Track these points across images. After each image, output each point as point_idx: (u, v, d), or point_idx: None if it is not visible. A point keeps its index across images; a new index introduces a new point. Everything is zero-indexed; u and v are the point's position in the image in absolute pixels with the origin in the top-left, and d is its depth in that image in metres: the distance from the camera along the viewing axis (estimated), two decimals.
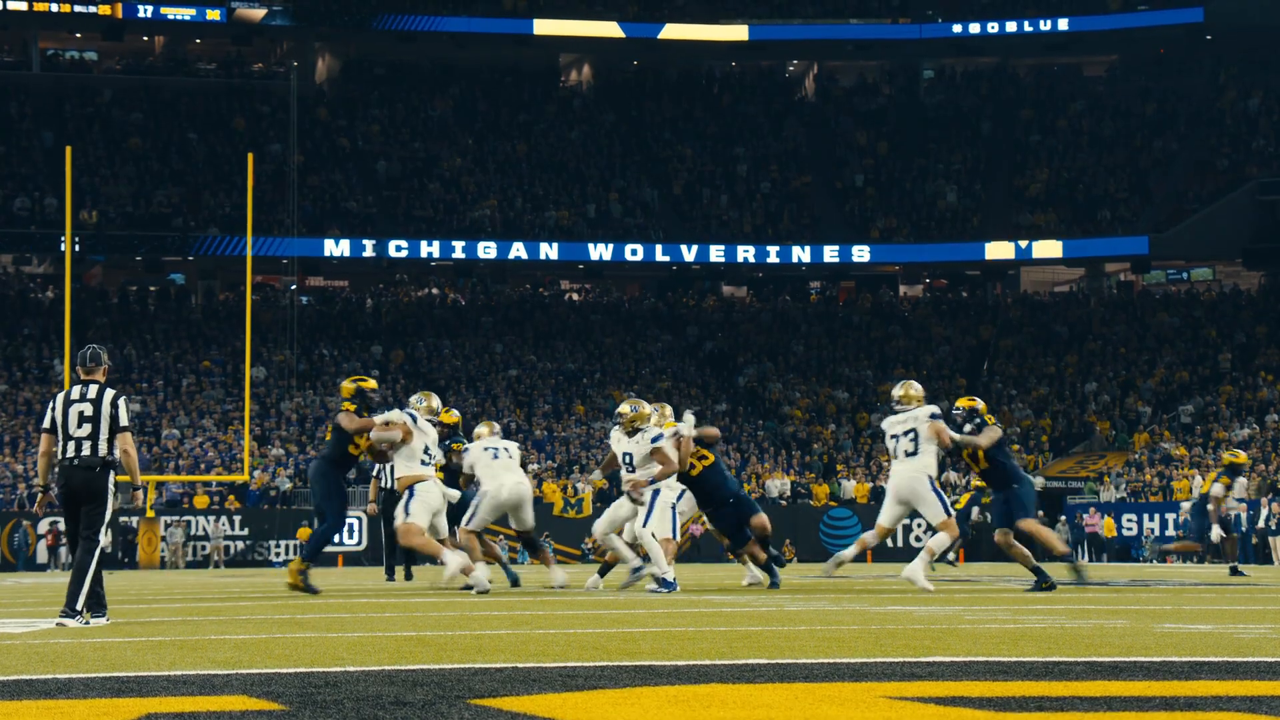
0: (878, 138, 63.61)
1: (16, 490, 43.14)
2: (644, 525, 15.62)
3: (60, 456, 10.78)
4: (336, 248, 55.02)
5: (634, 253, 57.01)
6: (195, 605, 13.36)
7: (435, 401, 16.93)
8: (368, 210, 57.05)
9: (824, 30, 63.01)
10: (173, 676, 6.23)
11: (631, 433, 15.75)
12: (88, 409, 10.73)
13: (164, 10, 58.31)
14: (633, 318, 58.46)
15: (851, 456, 51.02)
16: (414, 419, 15.99)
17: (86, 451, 10.68)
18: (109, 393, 10.81)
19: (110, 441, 10.74)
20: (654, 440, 15.64)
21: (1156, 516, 44.56)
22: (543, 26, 60.99)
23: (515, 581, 17.94)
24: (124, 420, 10.79)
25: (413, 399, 16.92)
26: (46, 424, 10.90)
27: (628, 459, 15.79)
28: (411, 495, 15.71)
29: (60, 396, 10.90)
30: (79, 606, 10.33)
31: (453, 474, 17.80)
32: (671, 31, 61.75)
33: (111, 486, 10.82)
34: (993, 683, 5.90)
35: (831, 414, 53.52)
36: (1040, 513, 48.59)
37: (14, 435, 46.33)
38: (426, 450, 15.93)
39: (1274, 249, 57.40)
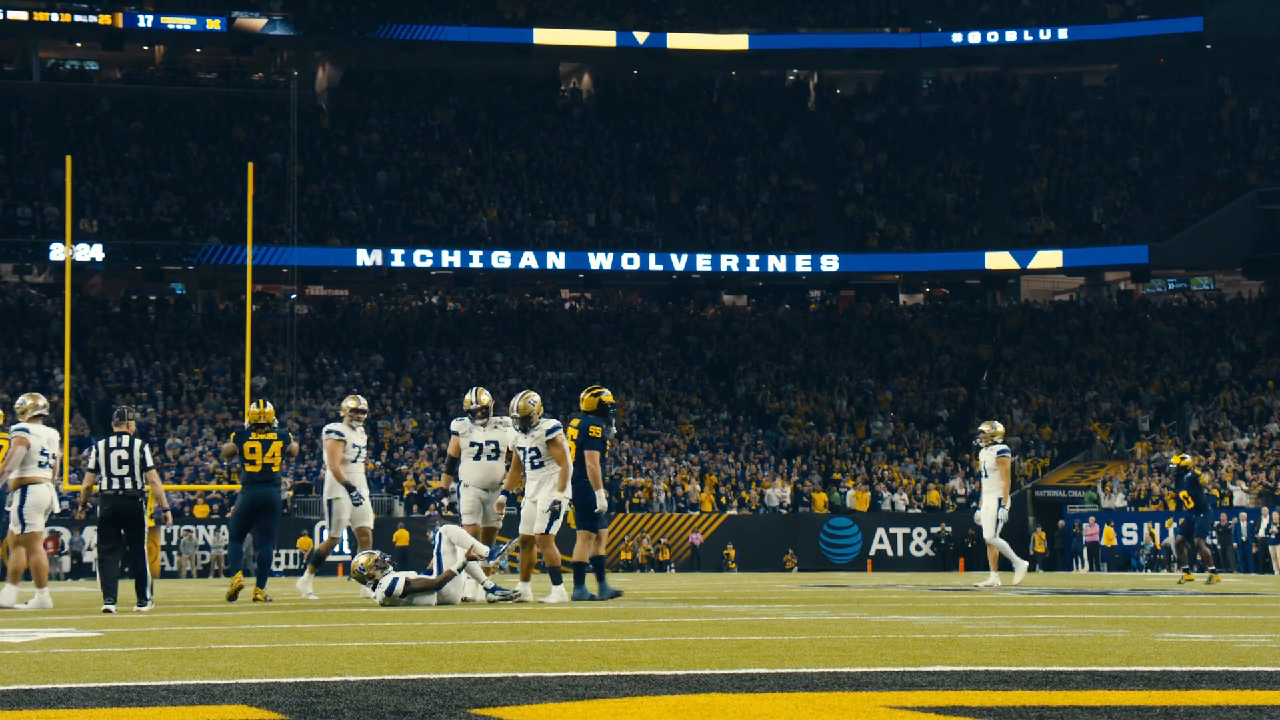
0: (878, 146, 63.61)
1: None
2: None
3: (106, 489, 14.00)
4: (336, 257, 55.04)
5: (634, 261, 57.01)
6: (195, 614, 13.36)
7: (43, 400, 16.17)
8: (368, 219, 57.07)
9: (824, 40, 63.07)
10: (173, 686, 6.23)
11: (524, 427, 15.19)
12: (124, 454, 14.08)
13: (164, 20, 58.34)
14: (633, 326, 58.45)
15: (851, 465, 51.01)
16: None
17: (128, 485, 14.03)
18: (138, 441, 14.15)
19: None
20: (549, 432, 15.09)
21: (1157, 525, 44.54)
22: (543, 36, 60.98)
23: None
24: (150, 461, 14.16)
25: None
26: (91, 465, 14.19)
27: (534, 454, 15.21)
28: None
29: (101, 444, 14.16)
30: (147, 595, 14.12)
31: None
32: (672, 41, 61.77)
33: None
34: (993, 692, 5.90)
35: (831, 422, 53.51)
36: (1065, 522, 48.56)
37: None
38: (44, 452, 15.67)
39: (1274, 258, 57.39)
